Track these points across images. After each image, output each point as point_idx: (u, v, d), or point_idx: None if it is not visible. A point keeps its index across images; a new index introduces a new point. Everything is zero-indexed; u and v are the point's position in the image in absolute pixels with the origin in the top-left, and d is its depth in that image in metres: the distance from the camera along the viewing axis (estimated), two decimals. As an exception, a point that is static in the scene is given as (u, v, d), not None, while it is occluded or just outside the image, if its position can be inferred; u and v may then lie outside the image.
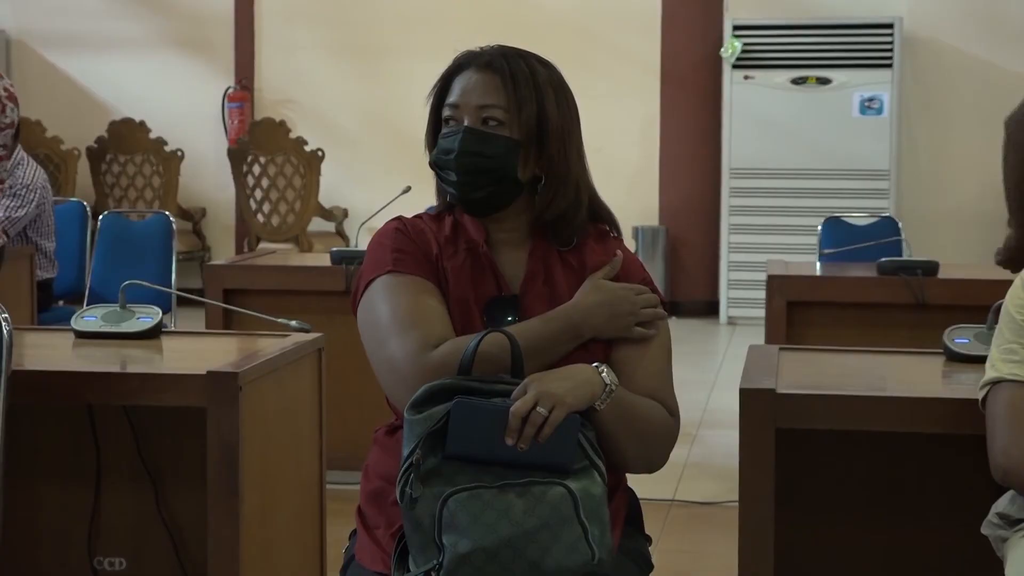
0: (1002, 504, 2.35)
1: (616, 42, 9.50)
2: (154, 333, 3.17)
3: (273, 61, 9.93)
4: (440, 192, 2.29)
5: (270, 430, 2.89)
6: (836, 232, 5.92)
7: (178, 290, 5.12)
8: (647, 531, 2.32)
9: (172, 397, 2.75)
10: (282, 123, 9.12)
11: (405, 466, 1.97)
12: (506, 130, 2.18)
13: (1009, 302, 2.34)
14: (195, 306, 5.36)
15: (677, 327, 8.38)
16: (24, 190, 5.81)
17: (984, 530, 2.38)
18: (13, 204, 5.78)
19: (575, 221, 2.24)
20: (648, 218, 9.46)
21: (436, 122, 2.25)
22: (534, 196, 2.23)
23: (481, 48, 2.24)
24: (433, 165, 2.23)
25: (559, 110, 2.21)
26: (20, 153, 5.95)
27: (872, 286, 4.71)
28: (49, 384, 2.77)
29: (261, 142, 9.04)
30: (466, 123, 2.19)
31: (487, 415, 1.97)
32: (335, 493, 3.37)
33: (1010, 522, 2.32)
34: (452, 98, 2.21)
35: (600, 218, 2.30)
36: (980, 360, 2.78)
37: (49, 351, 3.14)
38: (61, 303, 6.17)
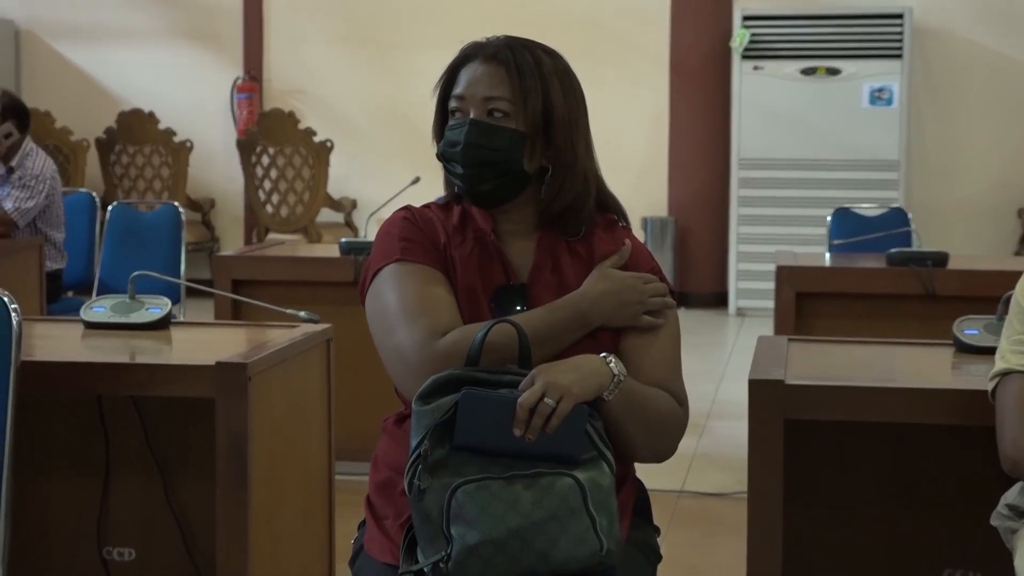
0: (1011, 495, 2.35)
1: (625, 33, 9.49)
2: (163, 324, 3.17)
3: (282, 52, 9.93)
4: (448, 183, 2.29)
5: (279, 421, 2.89)
6: (845, 223, 5.91)
7: (187, 281, 5.12)
8: (656, 522, 2.32)
9: (181, 388, 2.75)
10: (291, 114, 9.13)
11: (413, 457, 1.97)
12: (512, 122, 2.18)
13: (1019, 293, 2.33)
14: (204, 297, 5.36)
15: (686, 318, 8.37)
16: (33, 181, 5.82)
17: (993, 521, 2.38)
18: (23, 195, 5.79)
19: (583, 211, 2.24)
20: (657, 209, 9.45)
21: (443, 113, 2.25)
22: (541, 187, 2.22)
23: (487, 39, 2.24)
24: (440, 157, 2.23)
25: (565, 100, 2.20)
26: (29, 144, 5.97)
27: (881, 277, 4.70)
28: (58, 375, 2.78)
29: (270, 133, 9.04)
30: (472, 115, 2.18)
31: (495, 406, 1.97)
32: (344, 484, 3.37)
33: (1019, 513, 2.32)
34: (458, 90, 2.20)
35: (608, 207, 2.30)
36: (990, 351, 2.77)
37: (58, 342, 3.15)
38: (70, 294, 6.19)
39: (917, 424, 2.61)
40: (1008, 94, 9.04)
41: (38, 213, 5.85)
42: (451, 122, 2.21)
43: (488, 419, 1.97)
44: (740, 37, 9.01)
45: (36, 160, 5.90)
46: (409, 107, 9.39)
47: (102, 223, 6.14)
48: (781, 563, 2.51)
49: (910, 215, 6.06)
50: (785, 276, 4.68)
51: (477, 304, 2.17)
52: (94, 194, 6.47)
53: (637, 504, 2.25)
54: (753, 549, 2.51)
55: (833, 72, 8.97)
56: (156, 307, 3.19)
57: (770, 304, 4.94)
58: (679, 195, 9.51)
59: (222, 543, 2.71)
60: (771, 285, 4.78)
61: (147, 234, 5.97)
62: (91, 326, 3.17)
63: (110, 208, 6.10)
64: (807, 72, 9.01)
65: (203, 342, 3.19)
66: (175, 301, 3.87)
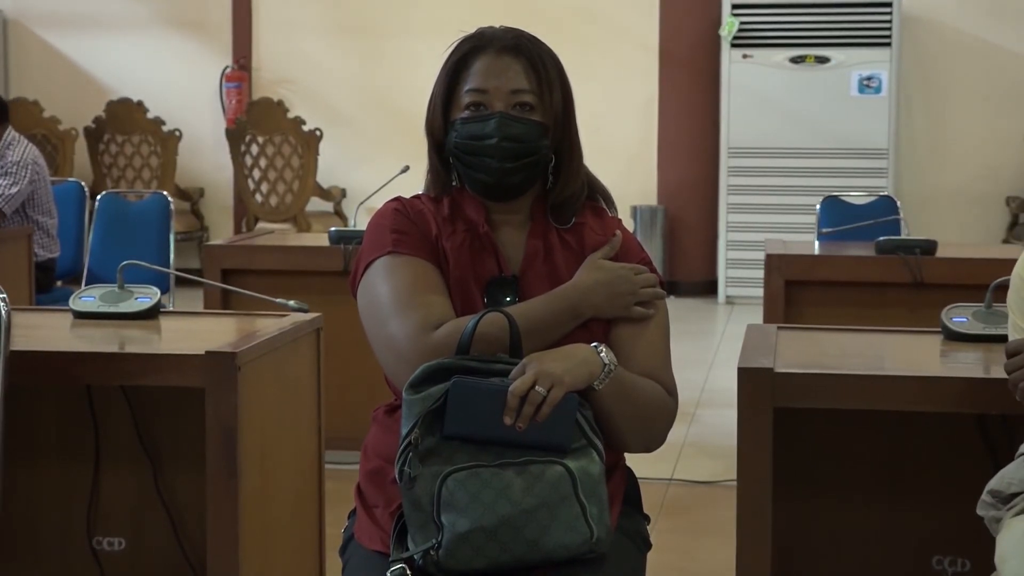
0: (993, 481, 2.35)
1: (615, 21, 9.48)
2: (152, 313, 3.17)
3: (271, 40, 9.90)
4: (436, 174, 2.27)
5: (269, 410, 2.89)
6: (834, 211, 5.91)
7: (176, 270, 5.12)
8: (645, 510, 2.33)
9: (171, 377, 2.75)
10: (280, 103, 9.10)
11: (403, 445, 1.97)
12: (537, 114, 2.18)
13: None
14: (193, 286, 5.36)
15: (676, 307, 8.38)
16: (15, 167, 5.82)
17: (980, 511, 2.38)
18: (6, 183, 5.79)
19: (580, 199, 2.25)
20: (647, 198, 9.45)
21: (446, 104, 2.22)
22: (542, 178, 2.23)
23: (488, 29, 2.22)
24: (456, 149, 2.20)
25: (570, 91, 2.22)
26: (11, 133, 5.98)
27: (870, 265, 4.71)
28: (48, 365, 2.77)
29: (259, 122, 9.02)
30: (499, 108, 2.18)
31: (485, 394, 1.97)
32: (334, 473, 3.37)
33: (1002, 499, 2.32)
34: (476, 83, 2.18)
35: (594, 194, 2.31)
36: (978, 339, 2.78)
37: (47, 332, 3.14)
38: (59, 283, 6.18)
39: (906, 412, 2.62)
40: (996, 82, 9.05)
41: (26, 200, 5.85)
42: (465, 114, 2.19)
43: (479, 407, 1.97)
44: (729, 25, 9.00)
45: (18, 148, 5.91)
46: (398, 96, 9.38)
47: (91, 213, 6.13)
48: (770, 551, 2.52)
49: (899, 203, 6.07)
50: (774, 264, 4.68)
51: (469, 296, 2.17)
52: (83, 183, 6.46)
53: (627, 492, 2.25)
54: (743, 537, 2.52)
55: (822, 60, 8.97)
56: (145, 297, 3.19)
57: (759, 292, 4.95)
58: (668, 183, 9.51)
59: (212, 532, 2.71)
60: (760, 273, 4.78)
61: (136, 223, 5.95)
62: (80, 316, 3.17)
63: (99, 198, 6.08)
64: (796, 60, 9.01)
65: (192, 331, 3.18)
66: (164, 291, 3.87)
